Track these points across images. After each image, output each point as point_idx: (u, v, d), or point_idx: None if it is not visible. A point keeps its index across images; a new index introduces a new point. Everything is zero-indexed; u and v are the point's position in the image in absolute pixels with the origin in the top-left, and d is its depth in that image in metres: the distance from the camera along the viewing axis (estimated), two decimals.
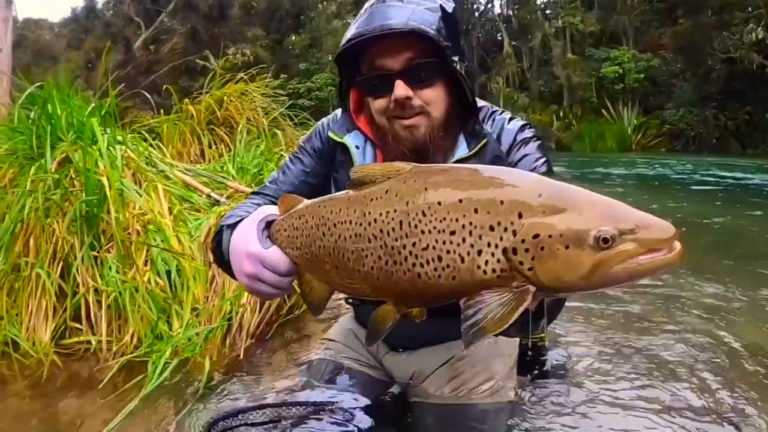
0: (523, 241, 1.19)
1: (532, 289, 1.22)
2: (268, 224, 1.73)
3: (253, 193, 2.30)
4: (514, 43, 36.71)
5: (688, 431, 2.54)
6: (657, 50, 31.15)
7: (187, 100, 7.30)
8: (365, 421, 2.21)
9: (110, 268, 3.62)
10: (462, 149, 1.98)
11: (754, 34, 25.48)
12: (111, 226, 3.71)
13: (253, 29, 30.56)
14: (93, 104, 4.53)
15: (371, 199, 1.41)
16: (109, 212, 3.72)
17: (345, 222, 1.46)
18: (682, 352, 3.35)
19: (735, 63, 26.20)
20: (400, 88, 1.82)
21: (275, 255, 1.66)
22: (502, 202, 1.22)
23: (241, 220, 1.83)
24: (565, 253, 1.17)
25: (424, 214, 1.30)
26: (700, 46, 27.19)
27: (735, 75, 26.51)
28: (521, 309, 1.22)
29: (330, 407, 2.24)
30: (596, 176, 17.05)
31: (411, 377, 2.32)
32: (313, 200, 1.64)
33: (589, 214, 1.18)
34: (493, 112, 2.12)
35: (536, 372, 3.01)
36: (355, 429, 2.17)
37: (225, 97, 7.19)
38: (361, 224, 1.42)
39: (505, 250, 1.21)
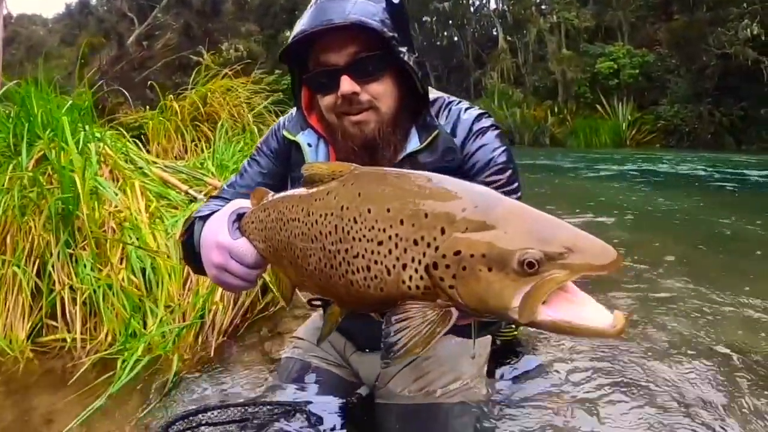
0: (444, 256, 1.13)
1: (455, 312, 1.17)
2: (240, 216, 1.73)
3: (212, 197, 2.28)
4: (509, 38, 36.70)
5: (668, 427, 2.52)
6: (652, 46, 31.09)
7: (171, 96, 7.29)
8: (331, 422, 2.21)
9: (85, 266, 3.61)
10: (414, 143, 1.95)
11: (748, 30, 25.50)
12: (87, 222, 3.70)
13: (246, 25, 30.50)
14: (70, 102, 4.52)
15: (315, 199, 1.39)
16: (80, 210, 3.72)
17: (295, 219, 1.45)
18: (664, 352, 3.30)
19: (730, 59, 26.19)
20: (346, 84, 1.79)
21: (243, 246, 1.66)
22: (426, 215, 1.17)
23: (213, 213, 1.83)
24: (487, 275, 1.09)
25: (355, 221, 1.27)
26: (695, 42, 27.17)
27: (730, 71, 26.48)
28: (443, 330, 1.17)
29: (295, 408, 2.23)
30: (590, 172, 17.00)
31: (377, 378, 2.31)
32: (277, 194, 1.64)
33: (513, 234, 1.09)
34: (449, 103, 2.07)
35: (508, 371, 3.00)
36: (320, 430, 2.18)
37: (209, 93, 7.19)
38: (306, 223, 1.40)
39: (427, 267, 1.15)
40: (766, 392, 2.85)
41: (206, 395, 2.89)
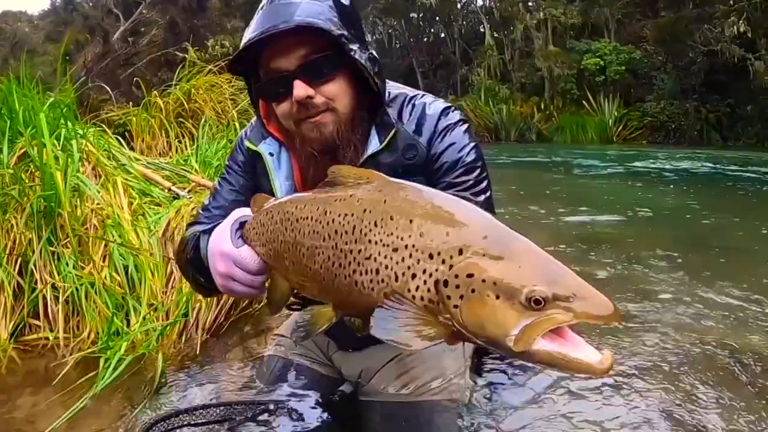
0: (456, 276, 1.16)
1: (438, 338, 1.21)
2: (243, 225, 1.73)
3: (189, 225, 2.25)
4: (496, 35, 36.75)
5: (649, 424, 2.53)
6: (638, 43, 31.15)
7: (155, 92, 7.26)
8: (314, 419, 2.20)
9: (67, 264, 3.59)
10: (374, 144, 1.91)
11: (735, 27, 25.59)
12: (69, 219, 3.68)
13: (232, 21, 30.35)
14: (51, 99, 4.49)
15: (335, 200, 1.42)
16: (62, 207, 3.70)
17: (306, 218, 1.47)
18: (648, 346, 3.32)
19: (716, 56, 26.29)
20: (299, 89, 1.74)
21: (245, 253, 1.67)
22: (447, 234, 1.20)
23: (216, 226, 1.82)
24: (494, 302, 1.13)
25: (375, 225, 1.29)
26: (682, 38, 27.25)
27: (716, 68, 26.60)
28: (435, 342, 1.21)
29: (277, 406, 2.22)
30: (575, 168, 17.04)
31: (359, 375, 2.30)
32: (282, 198, 1.68)
33: (527, 270, 1.14)
34: (412, 98, 2.02)
35: (493, 366, 2.99)
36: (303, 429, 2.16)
37: (193, 90, 7.16)
38: (320, 222, 1.42)
39: (437, 282, 1.18)
40: (755, 389, 2.88)
41: (190, 394, 2.88)
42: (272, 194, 1.97)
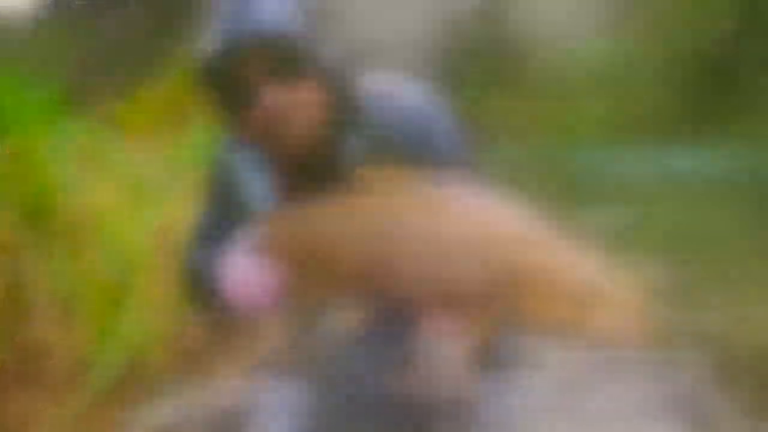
0: (511, 270, 1.22)
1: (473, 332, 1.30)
2: (254, 243, 1.68)
3: (186, 253, 2.17)
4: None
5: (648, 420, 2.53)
6: (628, 37, 31.46)
7: (148, 86, 7.28)
8: (312, 419, 2.18)
9: (60, 263, 3.55)
10: (353, 144, 1.83)
11: (725, 23, 25.83)
12: (60, 217, 3.65)
13: None
14: (43, 93, 4.47)
15: (370, 204, 1.40)
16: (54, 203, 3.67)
17: (336, 222, 1.44)
18: (658, 347, 3.31)
19: (706, 51, 26.52)
20: (270, 96, 1.59)
21: (266, 271, 1.60)
22: (501, 230, 1.28)
23: (219, 251, 1.78)
24: (547, 294, 1.20)
25: (422, 221, 1.33)
26: (672, 34, 27.48)
27: (706, 64, 26.83)
28: (470, 346, 1.35)
29: (276, 406, 2.21)
30: (568, 165, 17.15)
31: (358, 372, 2.27)
32: (299, 206, 1.59)
33: (579, 265, 1.24)
34: (393, 88, 1.87)
35: (493, 363, 2.97)
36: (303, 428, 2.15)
37: (187, 82, 7.15)
38: (351, 226, 1.41)
39: (496, 277, 1.23)
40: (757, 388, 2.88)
41: (188, 395, 2.84)
42: (250, 206, 1.91)
